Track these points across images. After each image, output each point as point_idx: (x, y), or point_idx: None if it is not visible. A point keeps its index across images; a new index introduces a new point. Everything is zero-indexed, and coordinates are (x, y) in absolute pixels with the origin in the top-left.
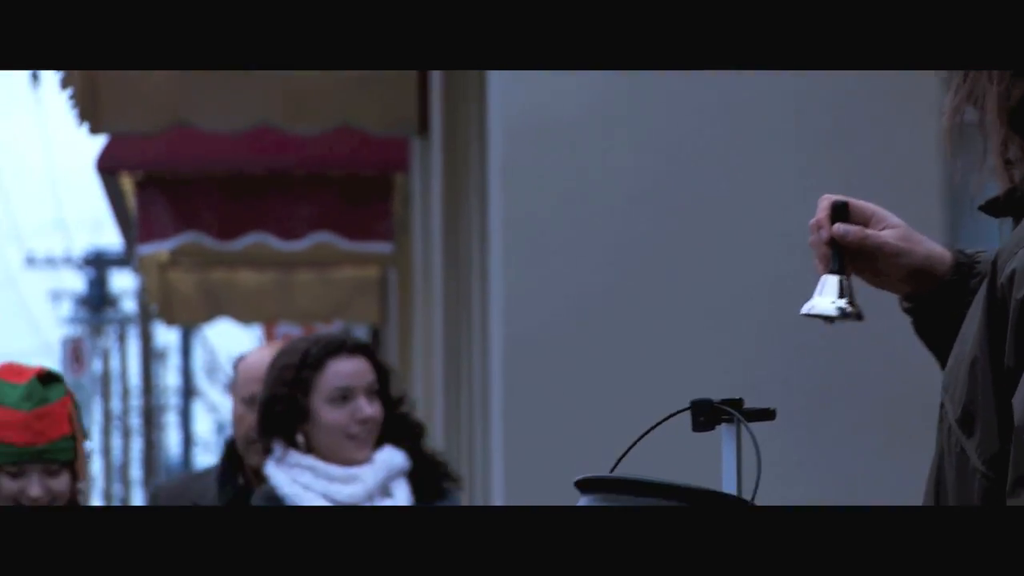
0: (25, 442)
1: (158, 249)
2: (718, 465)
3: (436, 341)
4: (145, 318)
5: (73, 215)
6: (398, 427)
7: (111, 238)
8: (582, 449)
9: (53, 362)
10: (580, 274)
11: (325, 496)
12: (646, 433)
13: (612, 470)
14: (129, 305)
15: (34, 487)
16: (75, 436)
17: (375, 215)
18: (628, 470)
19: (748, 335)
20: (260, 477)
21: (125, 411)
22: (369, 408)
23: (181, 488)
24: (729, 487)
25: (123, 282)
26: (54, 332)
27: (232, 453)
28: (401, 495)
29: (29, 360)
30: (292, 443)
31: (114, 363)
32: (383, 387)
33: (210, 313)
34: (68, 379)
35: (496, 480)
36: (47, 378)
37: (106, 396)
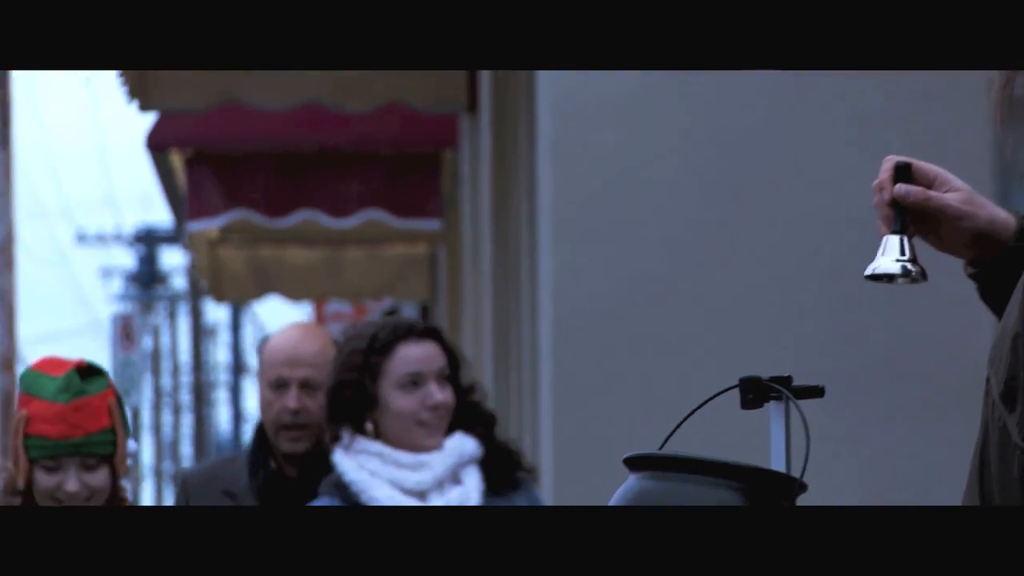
0: (61, 435)
1: (208, 226)
2: (767, 443)
3: (485, 318)
4: (195, 295)
5: (123, 192)
6: (469, 415)
7: (161, 215)
8: (631, 427)
9: (103, 339)
10: (629, 251)
11: (392, 483)
12: (695, 411)
13: (660, 448)
14: (179, 282)
15: (71, 482)
16: (115, 430)
17: (424, 192)
18: (677, 448)
19: (797, 312)
20: (291, 462)
21: (175, 388)
22: (440, 394)
23: (209, 474)
24: (778, 465)
25: (173, 259)
26: (104, 309)
27: (262, 438)
28: (471, 483)
29: (79, 337)
30: (360, 430)
31: (164, 340)
32: (454, 373)
33: (260, 290)
34: (118, 356)
35: (545, 458)
36: (87, 371)
37: (156, 373)
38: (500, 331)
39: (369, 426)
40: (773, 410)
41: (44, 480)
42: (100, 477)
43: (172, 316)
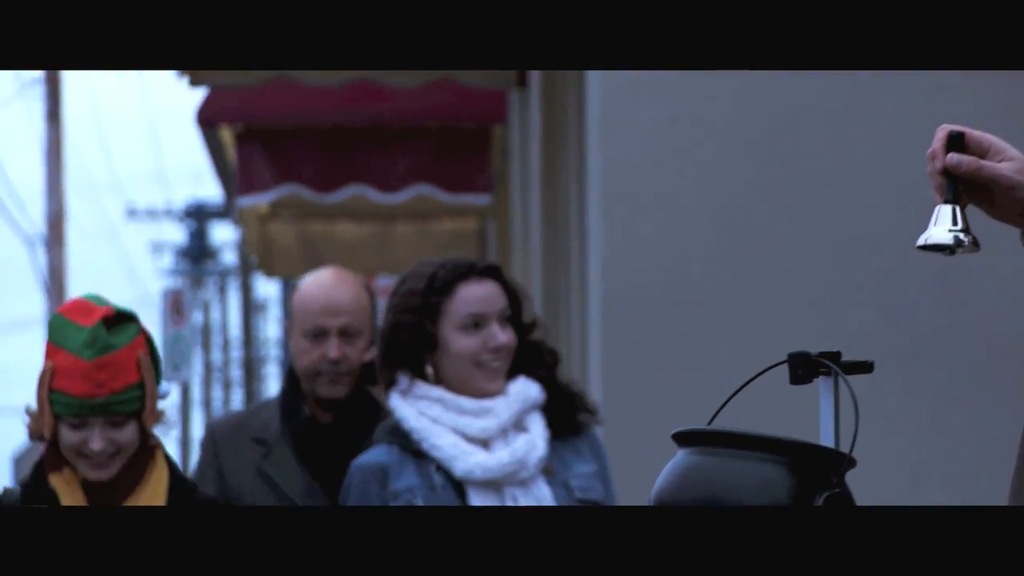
0: (85, 394)
1: (258, 201)
2: (815, 419)
3: (534, 293)
4: (245, 270)
5: (173, 167)
6: (531, 356)
7: (211, 190)
8: (680, 402)
9: (153, 314)
10: (678, 226)
11: (455, 430)
12: (744, 386)
13: (710, 423)
14: (229, 257)
15: (96, 440)
16: (144, 384)
17: (473, 167)
18: (726, 423)
19: (847, 287)
20: (325, 408)
21: (226, 363)
22: (502, 335)
23: (238, 423)
24: (827, 440)
25: (223, 234)
26: (155, 284)
27: (294, 384)
28: (536, 430)
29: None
30: (420, 374)
31: (214, 315)
32: (515, 313)
33: (309, 265)
34: (168, 331)
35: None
36: (116, 319)
37: (206, 348)
38: (549, 306)
39: (429, 370)
40: (822, 385)
41: (69, 436)
42: (127, 433)
43: (222, 291)
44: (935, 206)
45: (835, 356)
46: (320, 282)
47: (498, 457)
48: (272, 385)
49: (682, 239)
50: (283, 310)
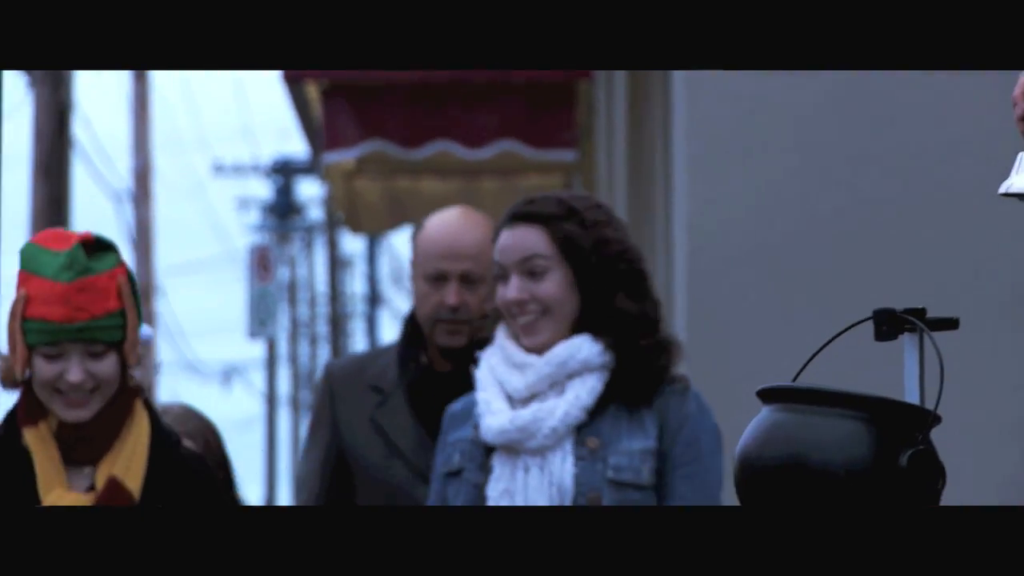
0: (63, 318)
1: (343, 157)
2: (900, 376)
3: None
4: (331, 226)
5: (260, 123)
6: (604, 315)
7: (297, 146)
8: (765, 359)
9: (239, 270)
10: (763, 182)
11: (501, 384)
12: (828, 342)
13: (794, 380)
14: (315, 213)
15: (74, 371)
16: (125, 313)
17: (559, 123)
18: (809, 380)
19: (932, 242)
20: (445, 356)
21: (312, 319)
22: (512, 290)
23: (356, 367)
24: (911, 397)
25: (309, 190)
26: (241, 240)
27: (414, 330)
28: (575, 395)
29: (215, 268)
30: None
31: (300, 271)
32: (571, 261)
33: (395, 221)
34: (254, 287)
35: None
36: (94, 246)
37: (293, 304)
38: None
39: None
40: (907, 342)
41: (44, 369)
42: (107, 366)
43: (308, 247)
44: (1018, 153)
45: (920, 312)
46: (444, 223)
47: (500, 422)
48: (359, 342)
49: (769, 193)
50: (368, 267)
